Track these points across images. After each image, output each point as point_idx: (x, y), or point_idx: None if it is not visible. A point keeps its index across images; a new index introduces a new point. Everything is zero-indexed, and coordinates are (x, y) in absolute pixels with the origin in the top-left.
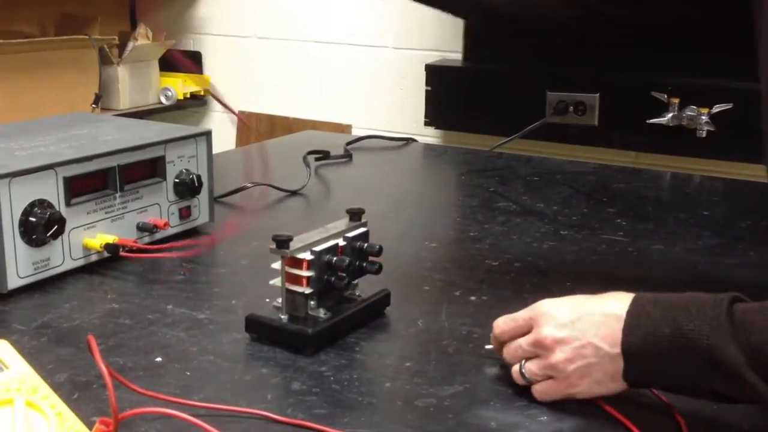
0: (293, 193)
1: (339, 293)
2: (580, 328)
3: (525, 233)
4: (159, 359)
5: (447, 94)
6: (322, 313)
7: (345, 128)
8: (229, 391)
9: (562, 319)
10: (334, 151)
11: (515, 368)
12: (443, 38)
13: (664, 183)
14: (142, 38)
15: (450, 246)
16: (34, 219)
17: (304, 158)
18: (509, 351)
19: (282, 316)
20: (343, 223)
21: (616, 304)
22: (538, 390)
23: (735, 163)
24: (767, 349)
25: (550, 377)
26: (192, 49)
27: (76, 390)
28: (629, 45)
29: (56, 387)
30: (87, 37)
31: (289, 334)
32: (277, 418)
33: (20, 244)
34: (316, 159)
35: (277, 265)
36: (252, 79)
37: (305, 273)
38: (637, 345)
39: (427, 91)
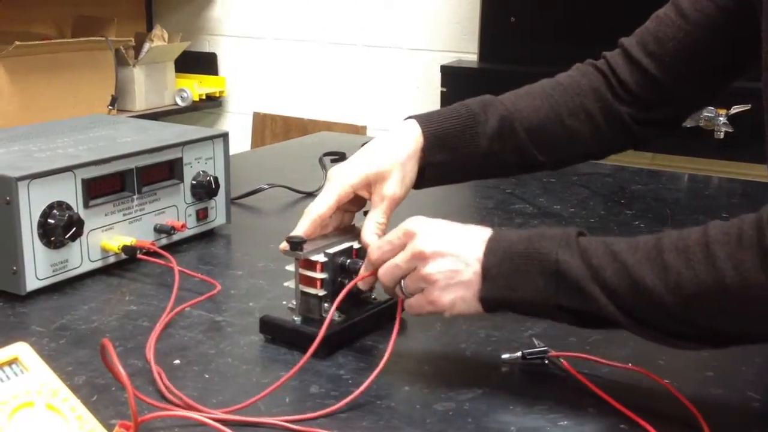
0: (309, 194)
1: (354, 296)
2: (454, 243)
3: None
4: (177, 362)
5: (462, 95)
6: (336, 315)
7: (360, 129)
8: (247, 394)
9: (437, 233)
10: (350, 152)
11: (396, 288)
12: (458, 39)
13: (682, 185)
14: (158, 39)
15: None
16: (52, 221)
17: (320, 160)
18: (386, 272)
19: (295, 318)
20: (358, 225)
21: (480, 230)
22: (408, 303)
23: (753, 164)
24: (606, 270)
25: (421, 289)
26: (207, 50)
27: (95, 392)
28: None
29: (75, 389)
30: (103, 38)
31: (302, 336)
32: (295, 428)
33: (39, 245)
34: (332, 160)
35: (291, 267)
36: (267, 81)
37: (319, 275)
38: (495, 263)
39: (442, 92)
